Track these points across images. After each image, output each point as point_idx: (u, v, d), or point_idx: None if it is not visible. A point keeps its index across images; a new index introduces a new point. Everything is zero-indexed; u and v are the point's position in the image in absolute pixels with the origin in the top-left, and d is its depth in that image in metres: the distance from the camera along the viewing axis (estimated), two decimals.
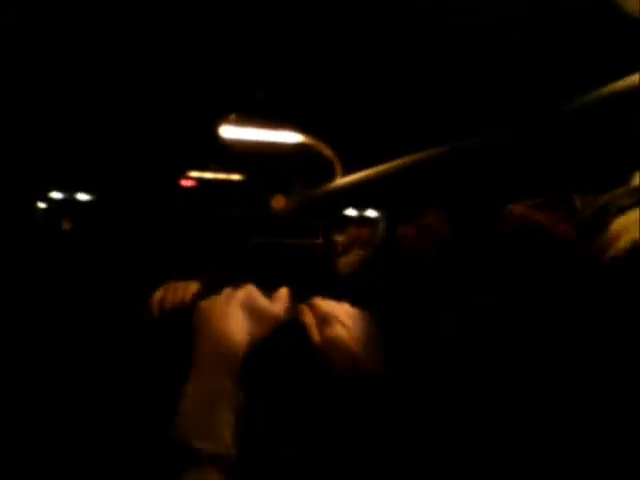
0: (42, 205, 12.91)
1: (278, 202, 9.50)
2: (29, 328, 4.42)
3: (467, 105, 7.46)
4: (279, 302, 0.86)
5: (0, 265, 5.31)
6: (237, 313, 0.82)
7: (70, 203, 13.98)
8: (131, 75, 8.30)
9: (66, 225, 7.61)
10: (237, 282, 0.90)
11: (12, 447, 3.11)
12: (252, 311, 0.83)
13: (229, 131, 8.05)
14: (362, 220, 15.00)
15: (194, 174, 14.17)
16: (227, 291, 0.87)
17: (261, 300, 0.85)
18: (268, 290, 0.92)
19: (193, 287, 1.07)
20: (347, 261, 2.33)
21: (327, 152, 8.61)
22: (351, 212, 15.37)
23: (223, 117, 7.87)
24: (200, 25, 6.88)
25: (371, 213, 15.42)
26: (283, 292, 0.88)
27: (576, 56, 6.01)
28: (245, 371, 0.76)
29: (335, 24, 6.61)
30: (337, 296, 2.44)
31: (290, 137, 8.27)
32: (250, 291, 0.86)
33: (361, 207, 15.44)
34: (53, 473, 2.97)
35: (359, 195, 10.67)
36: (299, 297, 0.91)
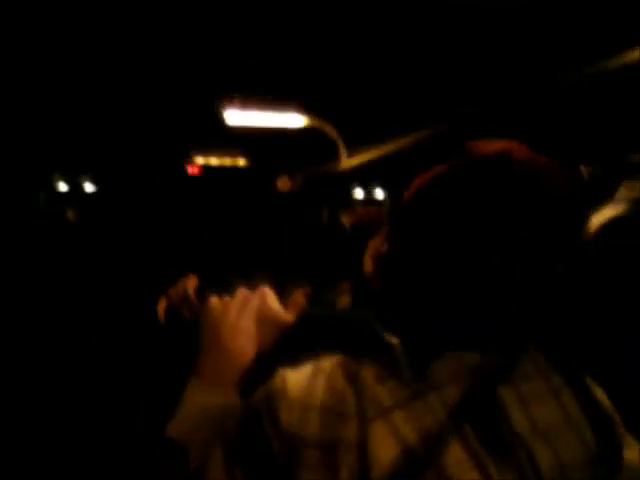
0: (46, 196, 12.94)
1: (284, 184, 9.48)
2: (32, 322, 4.43)
3: (468, 82, 7.40)
4: (292, 309, 0.83)
5: (3, 259, 5.33)
6: (249, 326, 0.79)
7: (75, 193, 13.98)
8: (131, 64, 8.27)
9: (71, 216, 7.57)
10: (250, 278, 0.87)
11: (13, 446, 3.12)
12: (264, 320, 0.80)
13: (233, 115, 8.03)
14: (369, 201, 14.96)
15: (199, 161, 14.15)
16: (241, 294, 0.83)
17: (274, 308, 0.82)
18: (282, 284, 0.89)
19: (192, 281, 1.04)
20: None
21: (331, 132, 8.58)
22: (359, 194, 15.32)
23: (226, 100, 7.83)
24: (198, 9, 6.83)
25: (379, 195, 15.37)
26: (299, 297, 0.85)
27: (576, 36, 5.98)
28: (246, 387, 0.75)
29: (337, 6, 6.56)
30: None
31: (294, 119, 8.25)
32: (264, 296, 0.83)
33: (368, 188, 15.41)
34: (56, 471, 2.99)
35: (364, 174, 10.64)
36: (316, 300, 0.89)
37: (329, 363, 0.69)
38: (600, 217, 1.46)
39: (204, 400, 0.73)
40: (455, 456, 0.61)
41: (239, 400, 0.73)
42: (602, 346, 1.14)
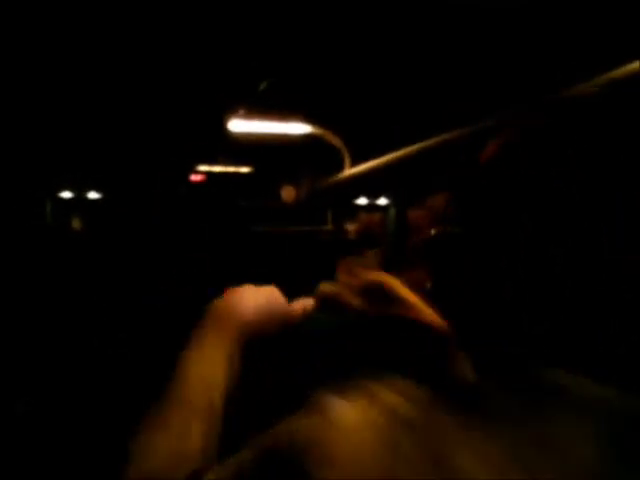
0: (51, 204, 12.97)
1: (288, 193, 9.50)
2: (37, 329, 4.43)
3: (472, 92, 7.42)
4: (300, 305, 0.82)
5: (9, 266, 5.36)
6: (252, 293, 0.79)
7: (80, 202, 13.98)
8: (137, 74, 8.31)
9: (76, 224, 7.61)
10: (254, 279, 0.88)
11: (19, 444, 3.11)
12: (271, 308, 0.79)
13: (238, 125, 8.05)
14: (372, 208, 14.96)
15: (203, 168, 14.17)
16: (248, 287, 0.82)
17: (281, 300, 0.82)
18: (287, 287, 0.89)
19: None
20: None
21: (335, 141, 8.59)
22: (362, 201, 15.33)
23: (231, 111, 7.87)
24: (205, 19, 6.87)
25: (382, 201, 15.38)
26: (307, 301, 0.84)
27: (575, 43, 5.97)
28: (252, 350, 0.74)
29: (340, 15, 6.58)
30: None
31: (298, 128, 8.26)
32: (271, 290, 0.83)
33: (372, 195, 15.41)
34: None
35: (369, 183, 10.64)
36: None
37: (383, 405, 0.48)
38: None
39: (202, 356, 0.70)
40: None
41: (238, 353, 0.72)
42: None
